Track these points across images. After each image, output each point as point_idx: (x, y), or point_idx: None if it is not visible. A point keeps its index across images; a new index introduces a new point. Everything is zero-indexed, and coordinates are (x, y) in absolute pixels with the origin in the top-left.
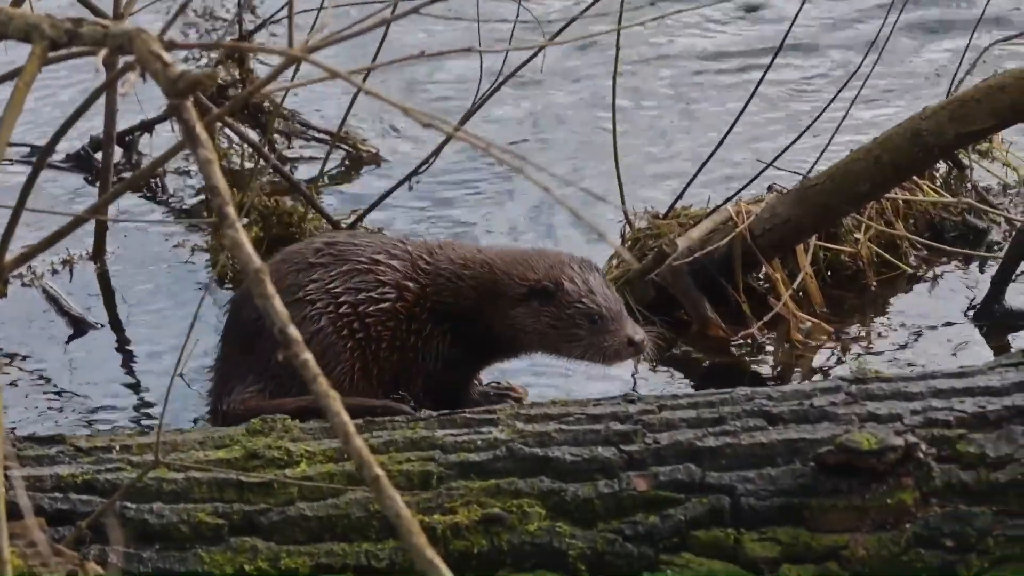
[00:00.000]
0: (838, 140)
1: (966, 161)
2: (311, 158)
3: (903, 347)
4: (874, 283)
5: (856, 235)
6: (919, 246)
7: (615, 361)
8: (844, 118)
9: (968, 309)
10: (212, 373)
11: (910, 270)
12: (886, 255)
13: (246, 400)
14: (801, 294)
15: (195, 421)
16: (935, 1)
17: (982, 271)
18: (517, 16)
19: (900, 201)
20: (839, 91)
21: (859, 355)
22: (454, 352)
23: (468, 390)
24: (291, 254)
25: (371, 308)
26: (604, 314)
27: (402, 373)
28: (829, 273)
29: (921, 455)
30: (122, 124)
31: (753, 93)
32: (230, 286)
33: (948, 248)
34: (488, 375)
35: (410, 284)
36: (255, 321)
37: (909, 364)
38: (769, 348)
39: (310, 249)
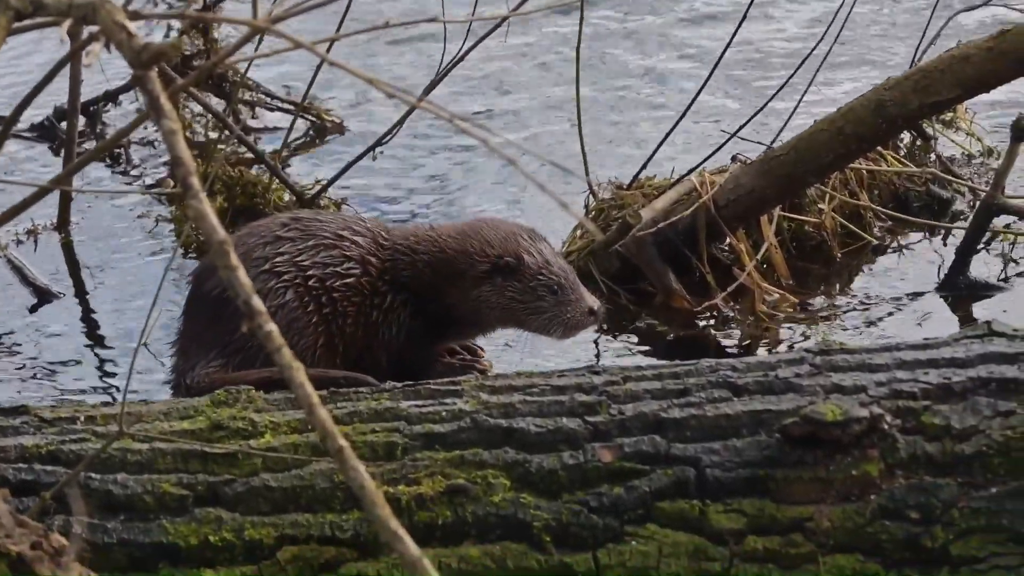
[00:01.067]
0: (802, 110)
1: (930, 131)
2: (275, 128)
3: (868, 318)
4: (839, 254)
5: (820, 205)
6: (883, 216)
7: (575, 332)
8: (807, 88)
9: (933, 280)
10: (174, 348)
11: (875, 241)
12: (850, 226)
13: (210, 374)
14: (765, 265)
15: (165, 385)
16: None
17: (946, 242)
18: None
19: (864, 171)
20: (803, 61)
21: (824, 327)
22: (415, 324)
23: (431, 364)
24: (257, 228)
25: (337, 283)
26: (564, 284)
27: (366, 349)
28: (794, 244)
29: (886, 427)
30: (86, 94)
31: (717, 64)
32: (194, 257)
33: (912, 219)
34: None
35: (373, 259)
36: (218, 295)
37: (874, 333)
38: (734, 320)
39: (276, 223)
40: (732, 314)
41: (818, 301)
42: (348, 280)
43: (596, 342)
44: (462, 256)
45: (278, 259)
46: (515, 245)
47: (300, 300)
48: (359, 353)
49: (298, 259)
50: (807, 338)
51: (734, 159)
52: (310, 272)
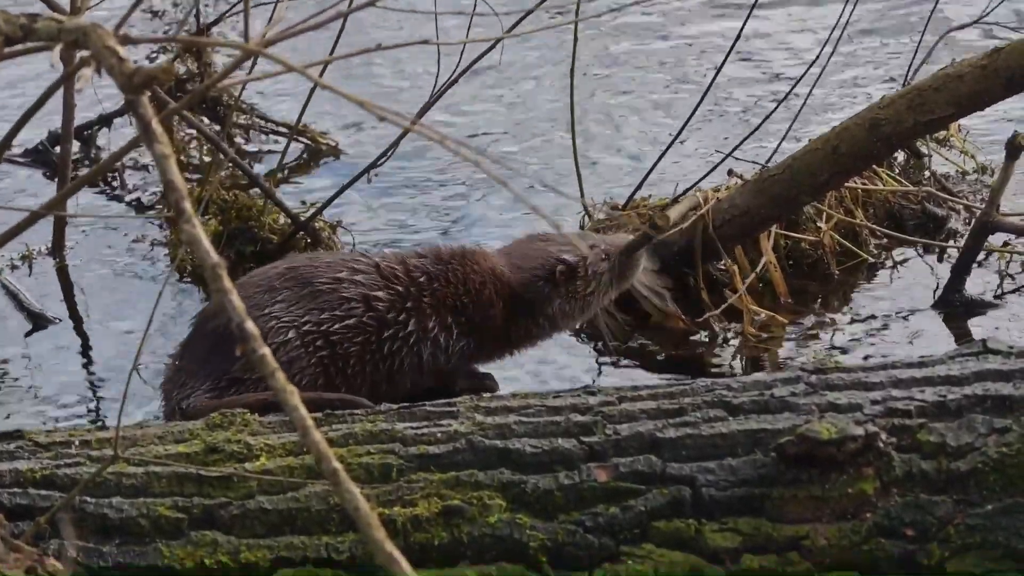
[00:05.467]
0: (796, 129)
1: (924, 150)
2: (270, 151)
3: (864, 336)
4: (836, 271)
5: (818, 223)
6: (879, 234)
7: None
8: (801, 108)
9: (928, 297)
10: (169, 377)
11: (872, 259)
12: (847, 243)
13: (206, 399)
14: (761, 285)
15: (158, 411)
16: None
17: (941, 259)
18: (474, 8)
19: (859, 190)
20: (796, 82)
21: (823, 350)
22: (461, 345)
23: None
24: (254, 276)
25: (336, 326)
26: (607, 247)
27: (375, 388)
28: (790, 262)
29: (881, 444)
30: (80, 118)
31: (711, 84)
32: (188, 280)
33: (908, 237)
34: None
35: (380, 293)
36: (220, 332)
37: (870, 351)
38: (728, 340)
39: (273, 273)
40: (724, 334)
41: (808, 320)
42: (349, 322)
43: (598, 362)
44: (521, 287)
45: (275, 306)
46: (547, 255)
47: (302, 340)
48: (371, 392)
49: (294, 307)
50: (802, 356)
51: (730, 173)
52: (305, 319)
